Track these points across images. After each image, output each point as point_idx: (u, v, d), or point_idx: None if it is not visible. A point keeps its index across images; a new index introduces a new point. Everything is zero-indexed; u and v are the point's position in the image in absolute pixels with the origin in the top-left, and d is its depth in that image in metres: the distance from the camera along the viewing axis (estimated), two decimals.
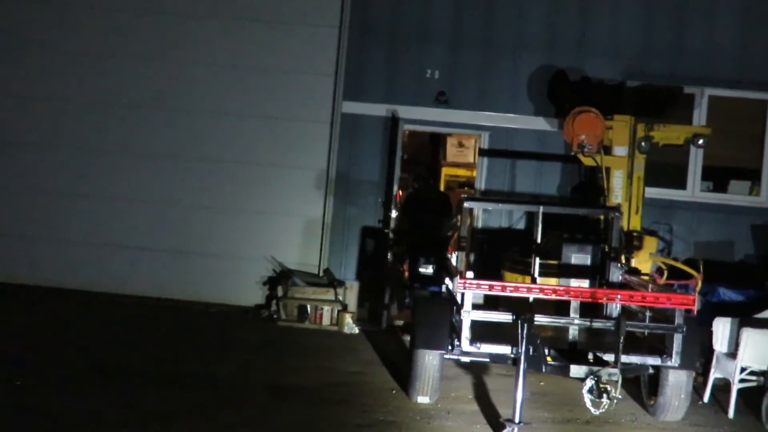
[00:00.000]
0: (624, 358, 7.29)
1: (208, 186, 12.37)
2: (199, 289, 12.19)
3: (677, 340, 7.55)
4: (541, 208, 8.96)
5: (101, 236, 12.38)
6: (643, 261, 10.34)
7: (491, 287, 7.69)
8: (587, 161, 10.63)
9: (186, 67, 12.37)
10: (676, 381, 7.79)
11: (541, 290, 7.70)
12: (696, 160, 11.97)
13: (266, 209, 12.31)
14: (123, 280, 12.23)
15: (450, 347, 7.85)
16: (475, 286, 7.62)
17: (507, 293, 7.72)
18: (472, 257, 9.51)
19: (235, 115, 12.33)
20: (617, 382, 7.08)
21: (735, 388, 8.27)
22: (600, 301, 8.22)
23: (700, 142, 10.77)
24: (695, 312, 7.62)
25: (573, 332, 8.10)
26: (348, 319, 11.20)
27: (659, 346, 7.75)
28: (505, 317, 7.61)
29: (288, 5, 12.33)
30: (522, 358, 7.15)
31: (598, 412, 7.19)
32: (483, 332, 7.68)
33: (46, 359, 8.73)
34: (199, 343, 10.04)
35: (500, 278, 9.59)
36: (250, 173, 12.33)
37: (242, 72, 12.32)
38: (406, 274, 11.96)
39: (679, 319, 7.54)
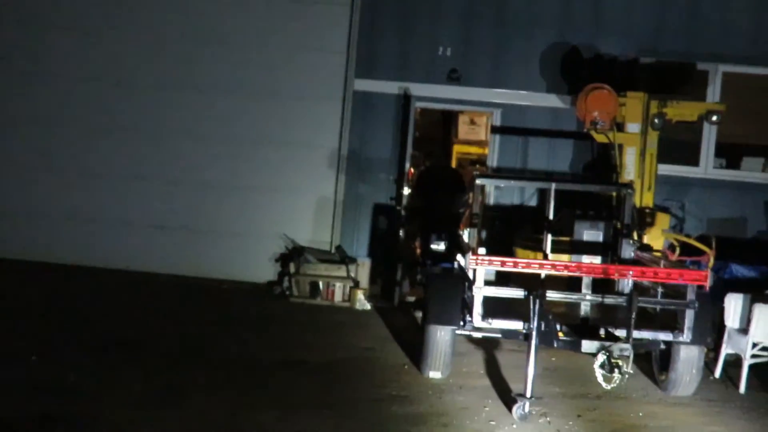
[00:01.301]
0: (636, 334, 7.30)
1: (219, 164, 12.39)
2: (212, 266, 12.24)
3: (689, 315, 7.55)
4: (554, 185, 8.97)
5: (114, 214, 12.43)
6: (656, 237, 10.34)
7: (503, 263, 7.71)
8: (600, 138, 10.61)
9: (195, 43, 12.35)
10: (688, 356, 7.80)
11: (553, 266, 7.72)
12: (709, 137, 11.93)
13: (278, 187, 12.34)
14: (136, 258, 12.28)
15: (462, 323, 7.87)
16: (487, 262, 7.63)
17: (519, 269, 7.74)
18: (484, 234, 9.52)
19: (245, 92, 12.32)
20: (629, 357, 7.10)
21: (746, 363, 8.28)
22: (612, 277, 8.23)
23: (714, 118, 10.73)
24: (707, 288, 7.62)
25: (585, 308, 8.11)
26: (360, 295, 11.24)
27: (671, 321, 7.75)
28: (516, 293, 7.62)
29: None
30: (534, 333, 7.17)
31: (609, 387, 7.21)
32: (495, 308, 7.70)
33: (61, 336, 8.80)
34: (211, 320, 10.10)
35: (512, 255, 9.60)
36: (262, 151, 12.34)
37: (253, 49, 12.30)
38: (418, 250, 12.00)
39: (691, 295, 7.55)
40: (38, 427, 6.21)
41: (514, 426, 6.95)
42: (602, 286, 8.41)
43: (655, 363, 8.43)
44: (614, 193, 9.97)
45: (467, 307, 7.80)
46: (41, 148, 12.53)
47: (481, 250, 7.97)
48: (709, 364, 8.59)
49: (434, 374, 8.06)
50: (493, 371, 8.51)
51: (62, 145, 12.50)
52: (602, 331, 7.56)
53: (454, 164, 15.37)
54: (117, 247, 12.35)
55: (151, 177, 12.43)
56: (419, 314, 9.55)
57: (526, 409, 7.07)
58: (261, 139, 12.34)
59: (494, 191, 11.99)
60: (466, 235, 9.41)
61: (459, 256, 8.96)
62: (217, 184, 12.39)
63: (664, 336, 7.67)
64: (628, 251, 8.93)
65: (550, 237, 8.98)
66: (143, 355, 8.26)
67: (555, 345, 7.51)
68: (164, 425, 6.42)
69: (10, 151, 12.56)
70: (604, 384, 7.18)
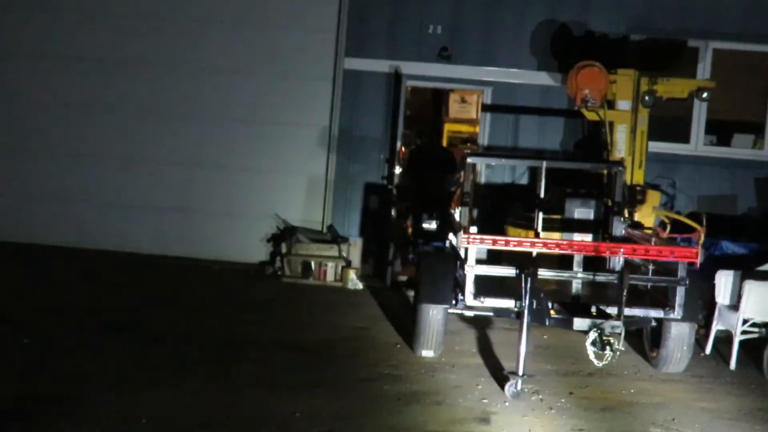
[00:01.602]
0: (627, 311, 7.32)
1: (211, 144, 12.36)
2: (203, 247, 12.24)
3: (680, 292, 7.57)
4: (545, 163, 8.97)
5: (105, 195, 12.41)
6: (646, 215, 10.37)
7: (495, 242, 7.70)
8: (591, 116, 10.61)
9: (188, 24, 12.29)
10: (679, 333, 7.84)
11: (545, 244, 7.73)
12: (700, 114, 11.94)
13: (269, 167, 12.32)
14: (127, 239, 12.28)
15: (454, 302, 7.88)
16: (478, 240, 7.63)
17: (510, 248, 7.74)
18: (475, 212, 9.53)
19: (236, 72, 12.28)
20: (620, 334, 7.12)
21: (737, 339, 8.33)
22: (603, 254, 8.23)
23: (705, 95, 10.73)
24: (698, 265, 7.64)
25: (576, 286, 8.12)
26: (352, 275, 11.25)
27: (662, 299, 7.79)
28: (508, 272, 7.62)
29: None
30: (525, 311, 7.18)
31: (601, 365, 7.23)
32: (487, 287, 7.71)
33: (53, 318, 8.80)
34: (203, 300, 10.11)
35: (504, 233, 9.61)
36: (253, 131, 12.31)
37: (243, 29, 12.24)
38: (410, 230, 12.02)
39: (681, 272, 7.56)
40: (37, 409, 6.20)
41: (507, 404, 6.99)
42: (593, 263, 8.43)
43: (646, 340, 8.48)
44: (605, 171, 9.98)
45: (459, 286, 7.81)
46: (29, 129, 12.47)
47: (473, 229, 7.97)
48: (699, 341, 8.65)
49: (427, 353, 8.09)
50: (486, 349, 8.54)
51: (50, 126, 12.45)
52: (594, 309, 7.58)
53: (445, 143, 15.37)
54: (106, 228, 12.33)
55: (140, 157, 12.39)
56: (411, 293, 9.58)
57: (519, 387, 7.10)
58: (251, 118, 12.30)
59: (485, 170, 11.99)
60: (457, 213, 9.42)
61: (450, 235, 8.97)
62: (207, 164, 12.36)
63: (655, 313, 7.70)
64: (619, 229, 8.95)
65: (541, 215, 9.00)
66: (135, 336, 8.26)
67: (547, 323, 7.53)
68: (158, 405, 6.43)
69: None
70: (595, 361, 7.20)
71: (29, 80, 12.44)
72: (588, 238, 9.05)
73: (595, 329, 7.17)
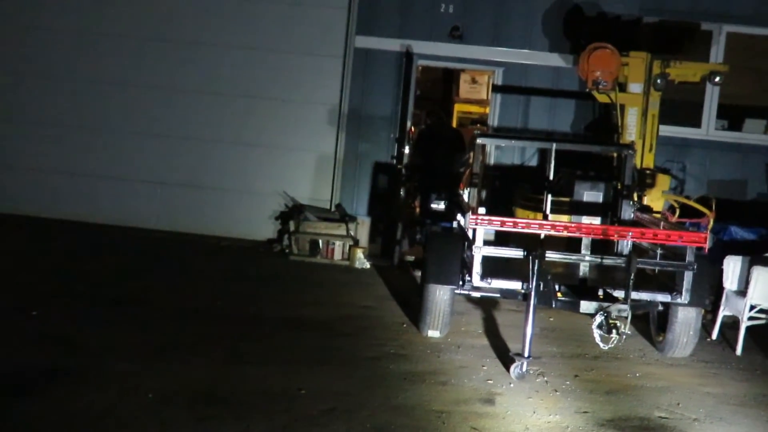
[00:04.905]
0: (634, 295, 7.31)
1: (221, 121, 12.36)
2: (212, 223, 12.27)
3: (688, 277, 7.55)
4: (554, 145, 8.94)
5: (115, 170, 12.43)
6: (656, 199, 10.34)
7: (503, 223, 7.69)
8: (602, 98, 10.56)
9: (201, 1, 12.26)
10: (686, 318, 7.83)
11: (553, 227, 7.71)
12: (711, 98, 11.88)
13: (279, 144, 12.31)
14: (135, 214, 12.32)
15: (461, 282, 7.89)
16: (486, 222, 7.62)
17: (518, 229, 7.74)
18: (483, 194, 9.52)
19: (247, 49, 12.25)
20: (627, 318, 7.11)
21: (743, 325, 8.32)
22: (611, 238, 8.22)
23: (717, 79, 10.65)
24: (706, 250, 7.62)
25: (584, 269, 8.13)
26: (359, 254, 11.26)
27: (669, 283, 7.77)
28: (516, 253, 7.62)
29: None
30: (532, 293, 7.18)
31: (607, 348, 7.25)
32: (494, 268, 7.71)
33: (62, 291, 8.83)
34: (211, 277, 10.14)
35: (512, 215, 9.60)
36: (263, 108, 12.30)
37: (254, 5, 12.21)
38: (418, 209, 12.01)
39: (690, 257, 7.54)
40: (47, 380, 6.24)
41: (512, 385, 7.00)
42: (601, 247, 8.42)
43: (652, 324, 8.48)
44: (615, 154, 9.95)
45: (466, 267, 7.81)
46: (42, 103, 12.49)
47: (481, 210, 7.96)
48: (706, 326, 8.65)
49: (433, 333, 8.10)
50: (492, 331, 8.55)
51: (62, 100, 12.46)
52: (601, 292, 7.57)
53: (454, 123, 15.33)
54: (116, 203, 12.37)
55: (151, 133, 12.40)
56: (418, 273, 9.57)
57: (524, 369, 7.11)
58: (262, 95, 12.28)
59: (494, 151, 11.96)
60: (465, 194, 9.40)
61: (459, 216, 8.96)
62: (217, 140, 12.36)
63: (662, 297, 7.69)
64: (627, 212, 8.93)
65: (550, 197, 8.98)
66: (142, 310, 8.29)
67: (553, 305, 7.52)
68: (164, 378, 6.46)
69: (11, 104, 12.52)
70: (601, 344, 7.22)
71: (43, 52, 12.43)
72: (596, 221, 9.04)
73: (601, 312, 7.17)
